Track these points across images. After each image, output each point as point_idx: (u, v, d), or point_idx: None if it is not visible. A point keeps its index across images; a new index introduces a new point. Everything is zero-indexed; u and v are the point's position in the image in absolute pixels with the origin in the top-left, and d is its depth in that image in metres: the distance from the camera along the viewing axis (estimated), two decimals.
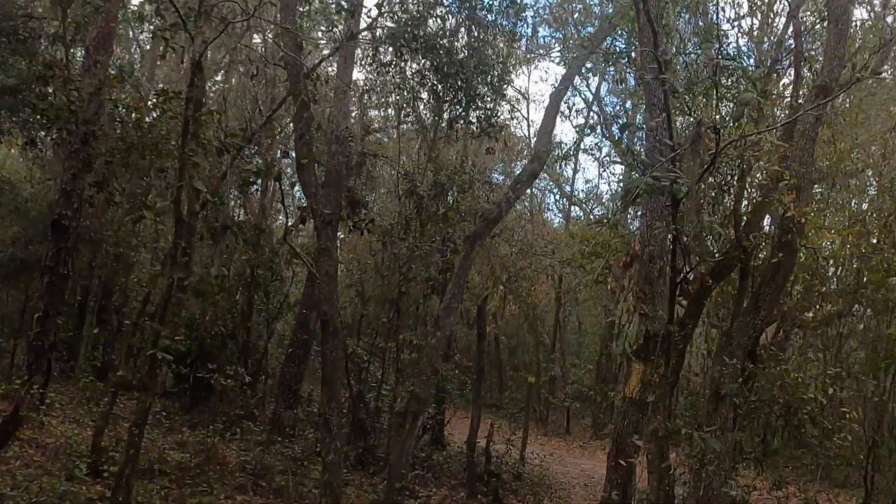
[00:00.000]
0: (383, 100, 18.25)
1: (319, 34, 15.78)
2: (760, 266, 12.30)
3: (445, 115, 18.26)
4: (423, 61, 14.89)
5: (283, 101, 15.43)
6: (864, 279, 18.00)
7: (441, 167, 17.24)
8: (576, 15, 25.18)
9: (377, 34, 14.65)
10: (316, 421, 19.08)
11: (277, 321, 22.18)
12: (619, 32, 18.51)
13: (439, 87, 15.10)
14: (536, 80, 75.74)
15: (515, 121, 31.08)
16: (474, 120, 15.31)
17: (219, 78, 27.25)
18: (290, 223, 23.04)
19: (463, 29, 16.31)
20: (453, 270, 15.41)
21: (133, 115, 12.35)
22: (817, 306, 18.74)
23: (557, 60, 32.39)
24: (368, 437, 17.18)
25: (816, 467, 13.95)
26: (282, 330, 25.73)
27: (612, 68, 34.85)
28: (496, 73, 15.20)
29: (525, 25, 16.71)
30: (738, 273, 12.89)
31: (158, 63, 23.98)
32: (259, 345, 21.10)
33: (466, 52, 15.23)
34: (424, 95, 16.13)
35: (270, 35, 15.19)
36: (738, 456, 11.71)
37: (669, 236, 9.92)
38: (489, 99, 15.39)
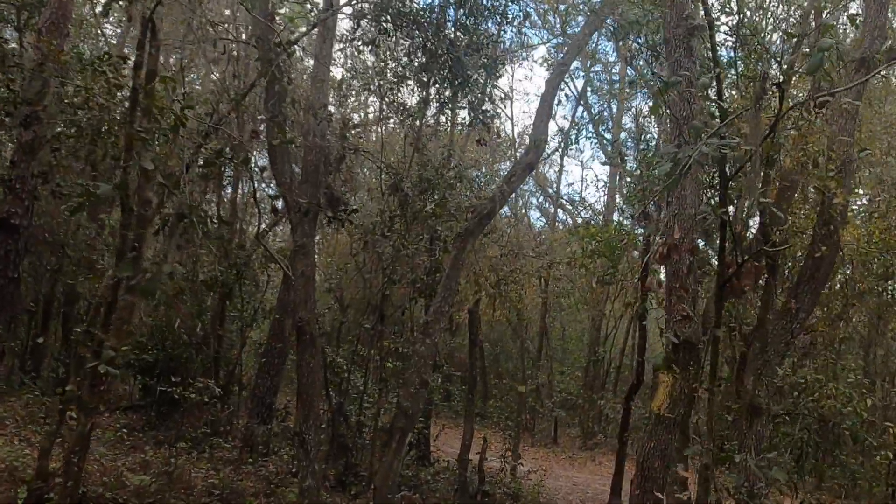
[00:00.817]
0: (365, 87, 16.60)
1: (297, 7, 14.08)
2: (793, 262, 10.77)
3: (433, 102, 16.71)
4: (409, 40, 13.26)
5: (254, 82, 13.72)
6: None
7: (427, 161, 15.60)
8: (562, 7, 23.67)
9: (360, 6, 13.02)
10: (292, 438, 17.43)
11: (252, 329, 20.44)
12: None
13: (427, 68, 13.46)
14: (521, 79, 73.92)
15: (499, 120, 29.46)
16: (465, 105, 13.75)
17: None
18: (263, 223, 21.29)
19: (451, 9, 14.72)
20: (442, 271, 13.80)
21: (83, 93, 10.59)
22: (825, 308, 17.35)
23: (541, 61, 31.07)
24: (350, 454, 15.48)
25: (852, 487, 12.63)
26: (258, 338, 23.97)
27: (598, 66, 33.56)
28: (488, 52, 13.60)
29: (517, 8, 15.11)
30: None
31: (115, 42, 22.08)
32: (232, 354, 19.38)
33: (455, 30, 13.63)
34: (411, 80, 14.50)
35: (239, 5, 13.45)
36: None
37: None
38: (482, 82, 13.78)
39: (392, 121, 19.22)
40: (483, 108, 14.08)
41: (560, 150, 31.47)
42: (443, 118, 15.08)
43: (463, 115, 16.00)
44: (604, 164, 31.69)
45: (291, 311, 16.75)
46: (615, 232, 12.67)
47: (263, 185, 21.86)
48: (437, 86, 14.04)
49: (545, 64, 31.52)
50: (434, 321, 13.02)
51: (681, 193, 8.88)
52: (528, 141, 14.45)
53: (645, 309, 19.51)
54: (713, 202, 9.33)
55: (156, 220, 9.88)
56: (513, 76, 75.20)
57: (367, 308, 16.23)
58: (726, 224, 6.62)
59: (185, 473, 14.15)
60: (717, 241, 6.80)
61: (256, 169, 17.56)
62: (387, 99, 18.05)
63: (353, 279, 19.59)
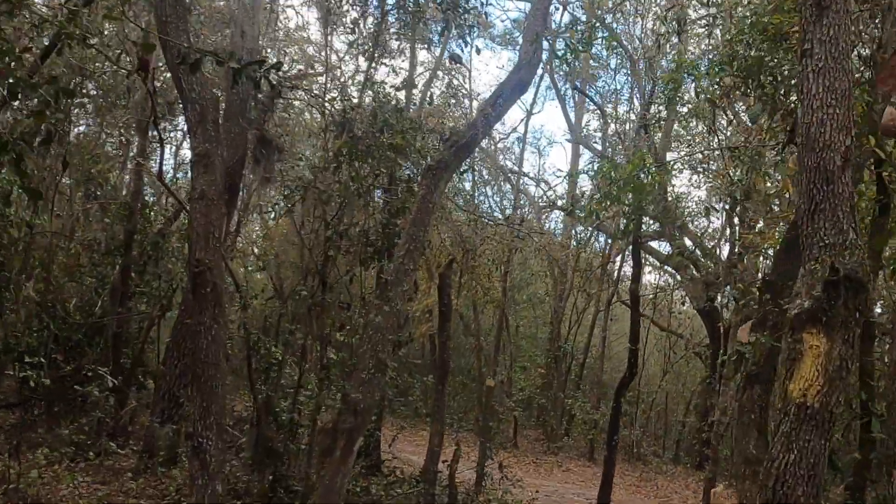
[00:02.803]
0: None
1: None
2: None
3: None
4: None
5: None
6: None
7: (385, 102, 11.65)
8: None
9: None
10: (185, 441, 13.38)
11: (168, 308, 16.19)
12: None
13: None
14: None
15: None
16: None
17: None
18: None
19: None
20: (405, 217, 9.92)
21: None
22: None
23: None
24: (280, 462, 11.46)
25: None
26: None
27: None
28: None
29: None
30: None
31: None
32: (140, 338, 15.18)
33: None
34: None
35: None
36: None
37: None
38: None
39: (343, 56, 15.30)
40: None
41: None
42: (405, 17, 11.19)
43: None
44: (569, 141, 28.01)
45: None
46: (639, 163, 8.91)
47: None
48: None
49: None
50: (395, 282, 9.11)
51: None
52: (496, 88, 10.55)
53: (637, 293, 15.87)
54: None
55: None
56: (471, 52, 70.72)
57: (306, 276, 12.22)
58: None
59: (55, 492, 10.11)
60: None
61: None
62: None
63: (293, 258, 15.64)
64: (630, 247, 25.44)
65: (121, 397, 13.45)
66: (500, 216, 22.51)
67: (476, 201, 19.55)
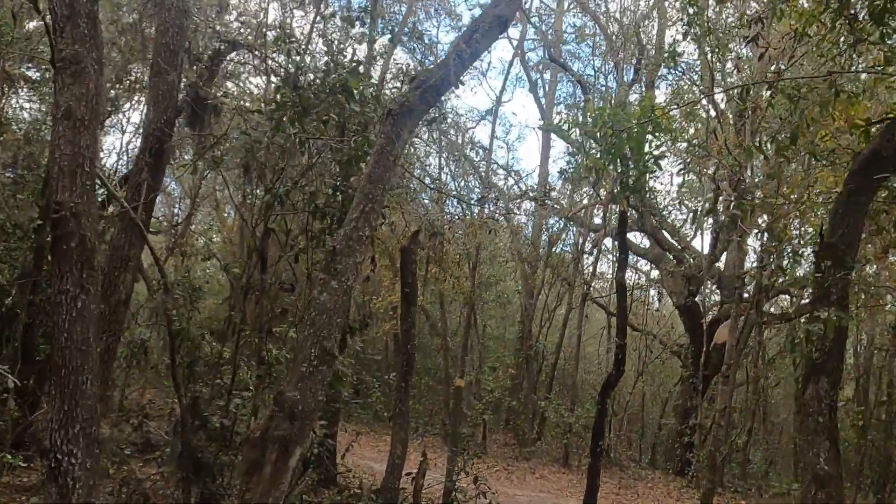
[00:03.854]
0: None
1: None
2: None
3: None
4: None
5: None
6: None
7: (337, 60, 9.54)
8: None
9: None
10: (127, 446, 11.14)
11: None
12: None
13: None
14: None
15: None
16: None
17: None
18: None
19: None
20: (360, 175, 7.88)
21: None
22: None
23: None
24: (210, 478, 9.30)
25: None
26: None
27: None
28: None
29: None
30: None
31: None
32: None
33: None
34: None
35: None
36: None
37: None
38: None
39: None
40: None
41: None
42: None
43: None
44: (541, 129, 26.06)
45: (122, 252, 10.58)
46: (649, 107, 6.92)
47: None
48: None
49: None
50: (346, 251, 7.01)
51: None
52: None
53: (623, 281, 13.91)
54: None
55: None
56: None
57: (246, 257, 10.06)
58: None
59: None
60: None
61: None
62: None
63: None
64: (607, 238, 23.61)
65: (32, 400, 11.19)
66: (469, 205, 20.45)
67: (444, 183, 17.44)
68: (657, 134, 7.12)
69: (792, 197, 8.04)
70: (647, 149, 7.33)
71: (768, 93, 7.14)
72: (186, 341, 8.96)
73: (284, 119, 8.28)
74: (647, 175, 7.46)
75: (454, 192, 16.29)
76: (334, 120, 8.04)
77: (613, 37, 20.24)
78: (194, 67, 12.13)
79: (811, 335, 5.48)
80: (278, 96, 8.14)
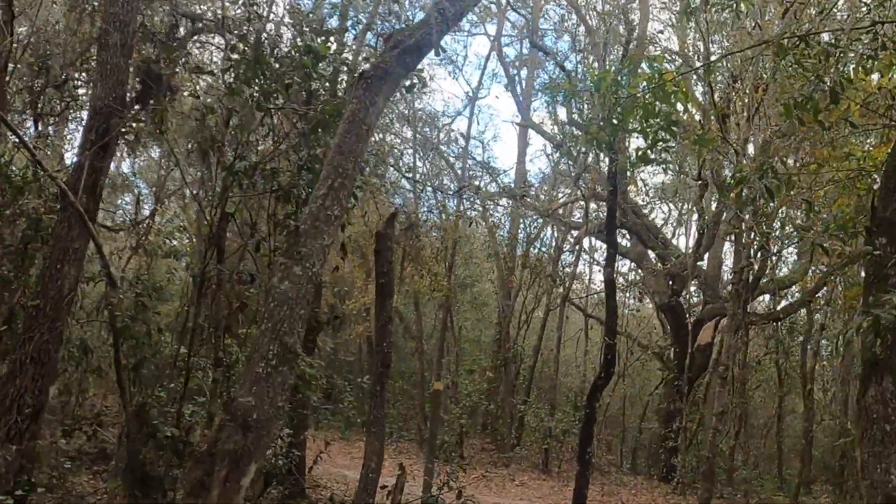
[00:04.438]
0: None
1: None
2: None
3: None
4: None
5: None
6: None
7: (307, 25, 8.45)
8: None
9: None
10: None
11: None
12: None
13: None
14: None
15: None
16: None
17: None
18: None
19: None
20: (325, 144, 6.81)
21: None
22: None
23: None
24: (160, 494, 8.16)
25: None
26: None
27: None
28: None
29: None
30: None
31: None
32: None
33: None
34: None
35: None
36: None
37: None
38: None
39: None
40: None
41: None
42: None
43: None
44: (519, 124, 25.07)
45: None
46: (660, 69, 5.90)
47: None
48: None
49: None
50: (312, 232, 5.93)
51: None
52: None
53: (612, 278, 12.98)
54: None
55: None
56: None
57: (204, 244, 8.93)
58: None
59: None
60: None
61: None
62: None
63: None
64: (588, 236, 22.69)
65: None
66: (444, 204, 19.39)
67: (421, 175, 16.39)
68: (667, 102, 6.14)
69: (827, 169, 7.03)
70: (655, 119, 6.35)
71: (787, 58, 6.16)
72: (131, 339, 7.82)
73: (238, 79, 7.17)
74: (660, 144, 6.48)
75: (431, 184, 15.22)
76: (298, 84, 6.97)
77: (594, 28, 19.32)
78: (149, 44, 10.97)
79: (875, 325, 4.48)
80: (233, 55, 7.08)
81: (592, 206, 21.48)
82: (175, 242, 17.57)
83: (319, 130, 6.88)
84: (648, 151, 6.40)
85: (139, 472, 8.23)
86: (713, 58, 9.45)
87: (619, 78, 6.47)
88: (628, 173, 12.96)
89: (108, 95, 9.95)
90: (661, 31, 9.58)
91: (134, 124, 10.06)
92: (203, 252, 8.11)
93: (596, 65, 18.13)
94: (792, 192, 8.17)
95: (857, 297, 12.80)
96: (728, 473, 19.55)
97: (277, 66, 6.89)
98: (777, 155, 8.96)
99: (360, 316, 23.76)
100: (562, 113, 24.76)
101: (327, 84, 7.29)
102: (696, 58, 13.28)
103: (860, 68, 6.20)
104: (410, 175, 13.22)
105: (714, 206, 20.34)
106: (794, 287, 21.63)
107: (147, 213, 21.58)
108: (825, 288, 19.34)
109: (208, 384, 8.24)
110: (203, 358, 9.07)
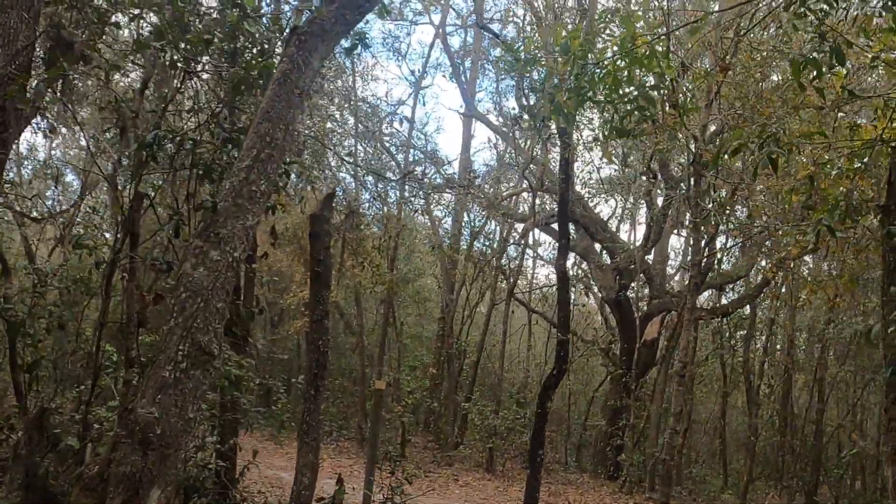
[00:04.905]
0: None
1: None
2: None
3: None
4: None
5: None
6: None
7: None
8: None
9: None
10: None
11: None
12: None
13: None
14: None
15: None
16: None
17: None
18: None
19: None
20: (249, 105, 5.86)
21: None
22: None
23: None
24: None
25: None
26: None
27: None
28: None
29: None
30: None
31: None
32: None
33: None
34: None
35: None
36: None
37: None
38: None
39: None
40: None
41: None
42: None
43: None
44: (464, 114, 24.26)
45: None
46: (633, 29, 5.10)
47: None
48: None
49: None
50: (233, 211, 4.99)
51: None
52: None
53: (565, 269, 12.24)
54: None
55: None
56: None
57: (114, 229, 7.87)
58: None
59: None
60: None
61: None
62: None
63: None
64: (535, 228, 21.98)
65: None
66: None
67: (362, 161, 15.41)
68: (650, 67, 5.38)
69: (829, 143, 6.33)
70: (628, 88, 5.59)
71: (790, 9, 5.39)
72: (27, 336, 6.73)
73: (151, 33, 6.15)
74: (637, 113, 5.72)
75: (374, 168, 14.27)
76: (219, 37, 5.99)
77: (542, 14, 18.58)
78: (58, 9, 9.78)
79: None
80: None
81: (539, 200, 20.86)
82: (93, 229, 16.28)
83: (243, 91, 5.92)
84: (623, 122, 5.63)
85: (38, 488, 7.16)
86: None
87: (586, 42, 5.67)
88: (599, 147, 12.19)
89: (9, 64, 8.80)
90: (618, 10, 8.87)
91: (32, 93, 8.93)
92: (114, 238, 7.05)
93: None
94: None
95: (813, 292, 12.24)
96: (676, 471, 19.05)
97: (196, 19, 5.90)
98: (779, 123, 8.26)
99: (299, 311, 22.69)
100: (507, 105, 24.14)
101: (258, 45, 6.31)
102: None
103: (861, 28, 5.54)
104: (351, 160, 12.19)
105: (661, 200, 19.88)
106: (738, 282, 21.35)
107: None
108: (770, 284, 19.00)
109: (119, 387, 7.19)
110: (116, 356, 8.03)
